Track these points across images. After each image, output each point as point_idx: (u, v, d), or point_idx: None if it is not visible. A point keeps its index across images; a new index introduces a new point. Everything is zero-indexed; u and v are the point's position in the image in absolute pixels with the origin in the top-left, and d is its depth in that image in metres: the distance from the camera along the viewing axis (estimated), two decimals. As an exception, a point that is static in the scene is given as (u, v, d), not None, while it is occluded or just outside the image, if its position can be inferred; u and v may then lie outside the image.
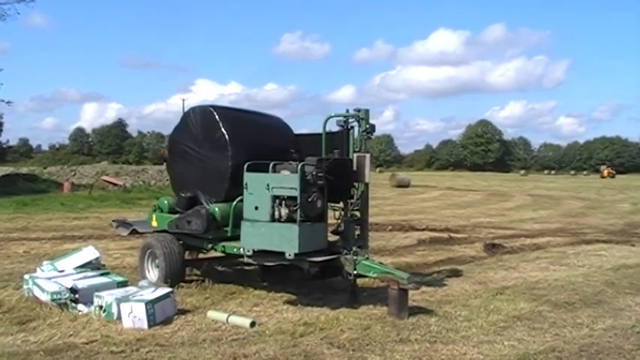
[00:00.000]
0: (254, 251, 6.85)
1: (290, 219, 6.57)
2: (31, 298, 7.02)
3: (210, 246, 7.84)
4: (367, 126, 7.27)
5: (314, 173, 6.68)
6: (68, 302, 6.65)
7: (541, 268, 10.02)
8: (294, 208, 6.55)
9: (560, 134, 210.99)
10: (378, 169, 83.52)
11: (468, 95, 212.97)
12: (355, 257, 6.97)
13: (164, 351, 5.43)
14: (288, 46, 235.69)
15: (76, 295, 6.68)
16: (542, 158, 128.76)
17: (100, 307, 6.38)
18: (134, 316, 6.09)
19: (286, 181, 6.66)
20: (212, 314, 6.50)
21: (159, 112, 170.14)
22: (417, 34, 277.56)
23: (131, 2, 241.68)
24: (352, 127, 7.42)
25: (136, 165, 57.41)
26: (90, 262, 7.98)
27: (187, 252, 8.39)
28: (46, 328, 6.03)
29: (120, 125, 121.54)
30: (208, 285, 7.88)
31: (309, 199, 6.62)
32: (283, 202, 6.63)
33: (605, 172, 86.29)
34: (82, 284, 6.85)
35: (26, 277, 7.35)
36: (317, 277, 7.00)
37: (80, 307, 6.59)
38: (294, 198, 6.58)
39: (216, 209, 7.51)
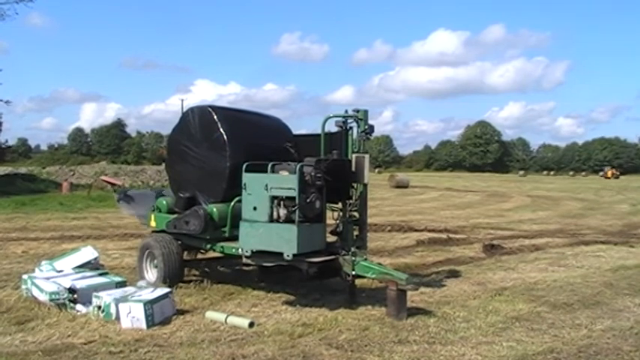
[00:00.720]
0: (252, 252, 6.84)
1: (288, 219, 6.57)
2: (30, 298, 7.01)
3: (208, 246, 7.84)
4: (366, 126, 7.27)
5: (313, 174, 6.68)
6: (67, 302, 6.64)
7: (540, 269, 10.02)
8: (293, 209, 6.55)
9: (559, 135, 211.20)
10: (376, 170, 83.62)
11: (467, 96, 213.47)
12: (354, 258, 6.97)
13: (163, 351, 5.42)
14: (287, 46, 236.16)
15: (75, 296, 6.68)
16: (541, 159, 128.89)
17: (99, 307, 6.37)
18: (133, 317, 6.09)
19: (285, 181, 6.65)
20: (211, 315, 6.49)
21: (158, 112, 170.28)
22: (416, 34, 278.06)
23: (130, 3, 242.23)
24: (351, 128, 7.42)
25: (134, 165, 57.36)
26: (88, 262, 7.98)
27: (186, 252, 8.40)
28: (45, 328, 6.02)
29: (119, 125, 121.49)
30: (207, 285, 7.87)
31: (308, 200, 6.61)
32: (282, 203, 6.63)
33: (609, 173, 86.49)
34: (80, 284, 6.84)
35: (25, 277, 7.35)
36: (315, 277, 6.99)
37: (79, 307, 6.59)
38: (292, 198, 6.57)
39: (214, 210, 7.51)
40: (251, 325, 6.18)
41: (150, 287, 6.91)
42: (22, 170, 38.69)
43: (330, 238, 7.32)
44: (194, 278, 8.37)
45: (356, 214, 7.38)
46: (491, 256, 11.26)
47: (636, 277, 9.40)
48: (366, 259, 7.09)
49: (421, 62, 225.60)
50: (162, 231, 8.13)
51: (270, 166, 6.80)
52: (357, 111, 7.29)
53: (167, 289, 6.73)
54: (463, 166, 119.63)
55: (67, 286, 6.76)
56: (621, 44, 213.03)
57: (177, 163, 8.34)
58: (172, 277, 7.68)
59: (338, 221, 7.33)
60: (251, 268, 8.28)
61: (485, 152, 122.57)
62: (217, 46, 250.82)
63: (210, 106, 7.99)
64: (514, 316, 6.85)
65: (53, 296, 6.69)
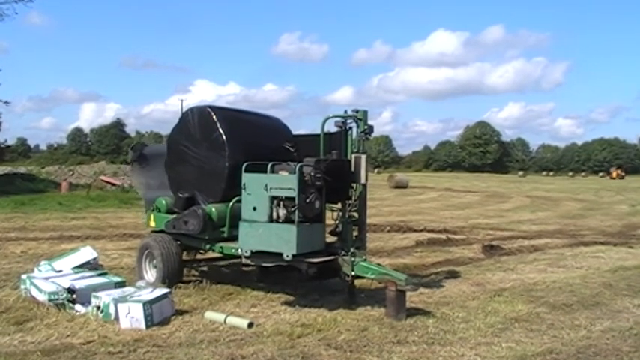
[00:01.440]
0: (252, 252, 6.84)
1: (288, 220, 6.57)
2: (29, 298, 7.01)
3: (208, 246, 7.84)
4: (365, 127, 7.26)
5: (312, 174, 6.68)
6: (66, 302, 6.64)
7: (539, 270, 10.02)
8: (292, 209, 6.55)
9: (558, 136, 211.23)
10: (376, 170, 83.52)
11: (466, 96, 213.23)
12: (353, 258, 6.97)
13: (161, 351, 5.42)
14: (286, 46, 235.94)
15: (74, 295, 6.68)
16: (541, 160, 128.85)
17: (98, 307, 6.37)
18: (132, 317, 6.08)
19: (284, 181, 6.65)
20: (210, 315, 6.49)
21: (157, 112, 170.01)
22: (415, 35, 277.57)
23: (130, 2, 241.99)
24: (351, 128, 7.42)
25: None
26: (88, 262, 7.99)
27: (185, 252, 8.39)
28: (44, 328, 6.02)
29: (118, 125, 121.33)
30: (206, 285, 7.87)
31: (307, 200, 6.62)
32: (281, 203, 6.63)
33: (615, 174, 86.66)
34: (79, 284, 6.84)
35: (24, 277, 7.35)
36: (315, 277, 6.99)
37: (78, 307, 6.58)
38: (292, 199, 6.58)
39: (213, 210, 7.51)
40: (250, 325, 6.18)
41: (149, 287, 6.91)
42: (22, 170, 38.65)
43: (330, 239, 7.32)
44: (193, 278, 8.37)
45: (355, 214, 7.38)
46: (490, 256, 11.27)
47: (635, 277, 9.41)
48: (365, 260, 7.09)
49: (421, 63, 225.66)
50: (162, 231, 8.13)
51: (269, 166, 6.80)
52: (357, 111, 7.29)
53: (166, 290, 6.73)
54: (462, 167, 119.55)
55: (66, 286, 6.76)
56: (621, 45, 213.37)
57: (176, 164, 8.33)
58: (171, 278, 7.68)
59: (337, 221, 7.33)
60: (250, 268, 8.29)
61: (484, 153, 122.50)
62: (217, 46, 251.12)
63: (209, 106, 7.99)
64: (513, 317, 6.86)
65: (52, 296, 6.69)
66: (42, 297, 6.80)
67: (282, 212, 6.60)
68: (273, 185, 6.66)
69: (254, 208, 6.77)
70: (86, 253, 8.15)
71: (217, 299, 7.34)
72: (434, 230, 15.44)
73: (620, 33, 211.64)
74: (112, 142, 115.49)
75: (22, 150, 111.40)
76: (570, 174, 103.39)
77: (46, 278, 7.15)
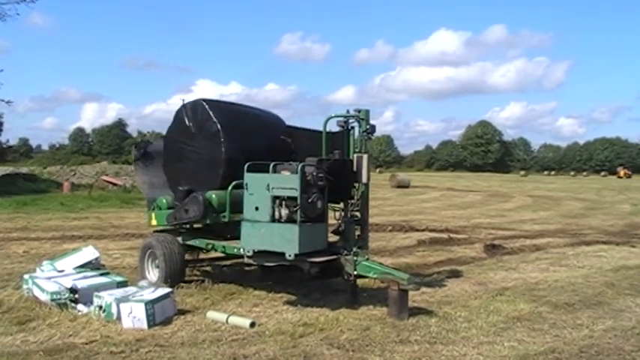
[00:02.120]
0: (254, 252, 6.84)
1: (290, 219, 6.57)
2: (31, 298, 7.01)
3: (210, 246, 7.84)
4: (367, 126, 7.26)
5: (314, 174, 6.68)
6: (68, 302, 6.64)
7: (541, 269, 10.02)
8: (295, 209, 6.55)
9: (560, 135, 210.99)
10: (377, 170, 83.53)
11: (468, 96, 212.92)
12: (355, 258, 6.97)
13: (164, 351, 5.42)
14: (288, 46, 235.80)
15: (76, 295, 6.68)
16: (542, 159, 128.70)
17: (100, 307, 6.37)
18: (134, 317, 6.09)
19: (286, 181, 6.65)
20: (212, 314, 6.49)
21: (159, 112, 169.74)
22: (417, 34, 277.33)
23: (131, 2, 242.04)
24: (352, 128, 7.42)
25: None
26: (90, 262, 7.98)
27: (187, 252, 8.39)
28: (46, 328, 6.02)
29: (120, 125, 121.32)
30: (208, 285, 7.87)
31: (310, 200, 6.61)
32: (283, 203, 6.63)
33: (622, 173, 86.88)
34: (81, 284, 6.85)
35: (26, 277, 7.35)
36: (317, 277, 6.99)
37: (80, 307, 6.59)
38: (294, 198, 6.57)
39: (213, 196, 7.53)
40: (252, 325, 6.18)
41: (151, 287, 6.91)
42: (24, 170, 38.61)
43: (332, 238, 7.32)
44: (195, 278, 8.37)
45: (357, 213, 7.37)
46: (492, 256, 11.26)
47: (638, 277, 9.39)
48: (367, 259, 7.09)
49: (422, 62, 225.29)
50: (164, 231, 8.11)
51: (271, 166, 6.81)
52: (359, 111, 7.30)
53: (168, 289, 6.73)
54: (464, 166, 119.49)
55: (69, 286, 6.76)
56: (623, 44, 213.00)
57: (174, 162, 8.38)
58: (174, 277, 7.68)
59: (339, 221, 7.33)
60: (252, 268, 8.30)
61: (486, 152, 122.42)
62: (218, 46, 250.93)
63: (202, 99, 8.14)
64: (515, 316, 6.85)
65: (54, 296, 6.69)
66: (44, 297, 6.80)
67: (284, 212, 6.60)
68: (276, 185, 6.66)
69: (256, 208, 6.76)
70: (88, 253, 8.15)
71: (219, 299, 7.34)
72: (436, 230, 15.44)
73: (622, 33, 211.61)
74: (113, 142, 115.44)
75: (24, 150, 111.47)
76: (572, 173, 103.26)
77: (48, 278, 7.15)
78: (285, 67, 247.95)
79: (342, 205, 7.40)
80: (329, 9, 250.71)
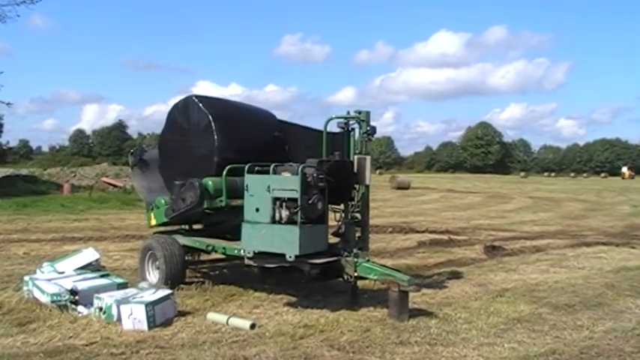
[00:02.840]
0: (255, 253, 6.84)
1: (291, 221, 6.57)
2: (31, 299, 7.01)
3: (210, 248, 7.84)
4: (368, 128, 7.28)
5: (315, 175, 6.68)
6: (68, 304, 6.64)
7: (541, 271, 10.02)
8: (295, 210, 6.55)
9: (560, 136, 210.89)
10: (378, 171, 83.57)
11: (468, 97, 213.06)
12: (356, 259, 6.97)
13: (164, 353, 5.42)
14: (288, 47, 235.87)
15: (76, 297, 6.68)
16: (542, 160, 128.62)
17: (100, 308, 6.37)
18: (134, 318, 6.09)
19: (287, 182, 6.66)
20: (212, 316, 6.49)
21: (159, 113, 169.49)
22: (417, 35, 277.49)
23: (132, 4, 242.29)
24: (353, 129, 7.43)
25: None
26: (90, 264, 7.99)
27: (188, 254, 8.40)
28: (46, 329, 6.02)
29: (120, 127, 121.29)
30: (208, 287, 7.87)
31: (310, 201, 6.62)
32: (284, 204, 6.63)
33: (627, 174, 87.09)
34: (82, 286, 6.85)
35: (26, 278, 7.35)
36: (317, 279, 6.99)
37: (80, 308, 6.59)
38: (294, 200, 6.58)
39: (209, 182, 7.57)
40: (252, 326, 6.18)
41: (151, 289, 6.91)
42: (24, 172, 38.57)
43: (332, 240, 7.32)
44: (195, 280, 8.36)
45: (358, 215, 7.38)
46: (492, 257, 11.26)
47: (638, 278, 9.39)
48: (367, 261, 7.09)
49: (422, 63, 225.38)
50: (164, 232, 8.10)
51: (272, 167, 6.82)
52: (359, 112, 7.31)
53: (168, 291, 6.73)
54: (464, 168, 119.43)
55: (69, 288, 6.76)
56: (623, 45, 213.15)
57: (170, 162, 8.46)
58: (174, 279, 7.68)
59: (340, 222, 7.33)
60: (253, 269, 8.29)
61: (486, 153, 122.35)
62: (219, 47, 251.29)
63: (192, 95, 8.29)
64: (515, 318, 6.85)
65: (54, 298, 6.69)
66: (44, 298, 6.80)
67: (284, 213, 6.60)
68: (276, 186, 6.67)
69: (257, 209, 6.77)
70: (88, 254, 8.15)
71: (220, 300, 7.34)
72: (436, 231, 15.43)
73: (622, 34, 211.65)
74: (113, 143, 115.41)
75: (24, 152, 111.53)
76: (572, 174, 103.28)
77: (49, 280, 7.15)
78: (285, 69, 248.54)
79: (342, 206, 7.41)
80: (329, 10, 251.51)
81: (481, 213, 22.66)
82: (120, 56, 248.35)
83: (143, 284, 7.50)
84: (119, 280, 7.30)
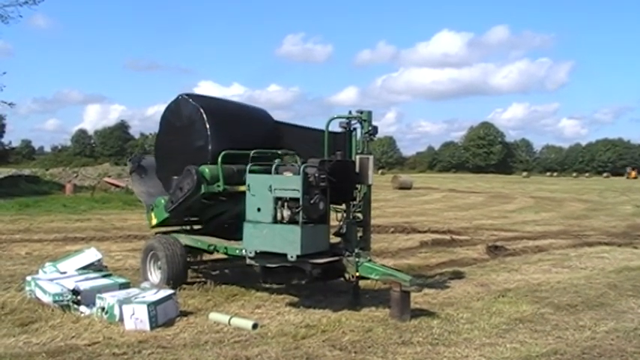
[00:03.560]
0: (256, 253, 6.85)
1: (292, 221, 6.58)
2: (34, 299, 7.03)
3: (212, 247, 7.85)
4: (370, 128, 7.28)
5: (316, 175, 6.68)
6: (70, 304, 6.66)
7: (543, 271, 10.01)
8: (297, 210, 6.56)
9: (562, 136, 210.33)
10: (380, 171, 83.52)
11: (470, 97, 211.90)
12: (357, 259, 6.97)
13: (166, 353, 5.43)
14: (290, 47, 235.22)
15: (78, 297, 6.69)
16: (545, 160, 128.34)
17: (102, 308, 6.38)
18: (136, 318, 6.09)
19: (289, 182, 6.66)
20: (214, 316, 6.50)
21: (161, 114, 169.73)
22: (419, 35, 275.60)
23: (134, 4, 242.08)
24: (355, 129, 7.43)
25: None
26: (92, 264, 8.00)
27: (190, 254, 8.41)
28: (48, 329, 6.04)
29: (122, 127, 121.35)
30: (210, 287, 7.88)
31: (312, 201, 6.62)
32: (286, 204, 6.64)
33: (633, 174, 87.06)
34: (84, 286, 6.86)
35: (28, 278, 7.37)
36: (319, 278, 6.99)
37: (82, 308, 6.60)
38: (296, 200, 6.58)
39: (206, 170, 7.60)
40: (255, 326, 6.18)
41: (153, 289, 6.91)
42: (26, 172, 38.61)
43: (334, 240, 7.32)
44: (197, 280, 8.37)
45: (360, 215, 7.38)
46: (494, 257, 11.25)
47: (640, 278, 9.38)
48: (369, 261, 7.09)
49: (425, 63, 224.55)
50: (166, 232, 8.11)
51: (274, 167, 6.83)
52: (361, 112, 7.31)
53: (170, 291, 6.74)
54: (466, 168, 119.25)
55: (71, 288, 6.77)
56: (625, 45, 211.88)
57: (167, 163, 8.47)
58: (176, 279, 7.69)
59: (341, 222, 7.33)
60: (254, 269, 8.29)
61: (488, 153, 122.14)
62: (220, 47, 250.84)
63: (182, 94, 8.37)
64: (518, 318, 6.85)
65: (57, 298, 6.71)
66: (46, 299, 6.82)
67: (286, 213, 6.61)
68: (278, 186, 6.68)
69: (258, 209, 6.77)
70: (90, 254, 8.16)
71: (222, 300, 7.35)
72: (438, 231, 15.43)
73: (625, 33, 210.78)
74: (116, 143, 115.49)
75: (27, 152, 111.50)
76: (574, 174, 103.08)
77: (51, 280, 7.16)
78: (287, 69, 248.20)
79: (344, 206, 7.41)
80: (331, 10, 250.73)
81: (483, 213, 22.65)
82: (122, 56, 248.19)
83: (145, 284, 7.50)
84: (121, 280, 7.32)
